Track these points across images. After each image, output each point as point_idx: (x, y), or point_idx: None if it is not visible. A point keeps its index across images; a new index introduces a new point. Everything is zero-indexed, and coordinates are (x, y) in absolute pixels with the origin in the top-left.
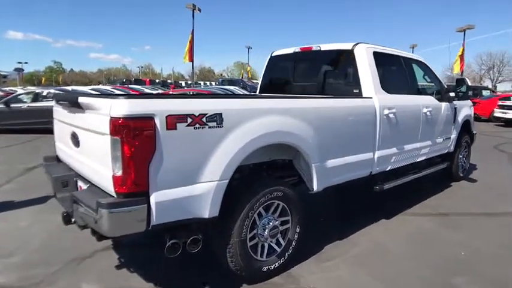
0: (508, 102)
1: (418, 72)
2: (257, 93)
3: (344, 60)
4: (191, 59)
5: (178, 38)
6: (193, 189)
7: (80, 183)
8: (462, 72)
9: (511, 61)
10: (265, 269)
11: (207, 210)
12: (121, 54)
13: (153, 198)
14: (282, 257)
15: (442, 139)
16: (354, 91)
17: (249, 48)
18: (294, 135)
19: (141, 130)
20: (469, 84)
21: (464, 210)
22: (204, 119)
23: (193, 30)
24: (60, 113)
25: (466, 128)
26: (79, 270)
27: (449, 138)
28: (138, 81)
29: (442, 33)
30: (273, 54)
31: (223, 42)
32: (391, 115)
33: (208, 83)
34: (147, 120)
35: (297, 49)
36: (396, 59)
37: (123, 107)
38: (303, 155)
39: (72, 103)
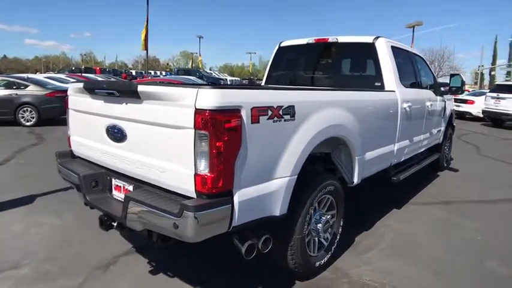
0: (460, 96)
1: (419, 67)
2: (263, 84)
3: (364, 53)
4: (145, 48)
5: (120, 25)
6: (269, 186)
7: (117, 182)
8: None
9: (451, 57)
10: (317, 264)
11: (279, 208)
12: (59, 41)
13: (237, 198)
14: (329, 250)
15: (436, 131)
16: (376, 84)
17: (200, 38)
18: (347, 129)
19: (230, 123)
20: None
21: (462, 199)
22: (280, 112)
23: (147, 18)
24: (86, 103)
25: (449, 121)
26: (109, 280)
27: (440, 130)
28: (88, 70)
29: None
30: (281, 45)
31: (168, 30)
32: (408, 108)
33: (158, 73)
34: (234, 112)
35: (311, 40)
36: (406, 53)
37: (211, 98)
38: (348, 148)
39: (124, 92)
